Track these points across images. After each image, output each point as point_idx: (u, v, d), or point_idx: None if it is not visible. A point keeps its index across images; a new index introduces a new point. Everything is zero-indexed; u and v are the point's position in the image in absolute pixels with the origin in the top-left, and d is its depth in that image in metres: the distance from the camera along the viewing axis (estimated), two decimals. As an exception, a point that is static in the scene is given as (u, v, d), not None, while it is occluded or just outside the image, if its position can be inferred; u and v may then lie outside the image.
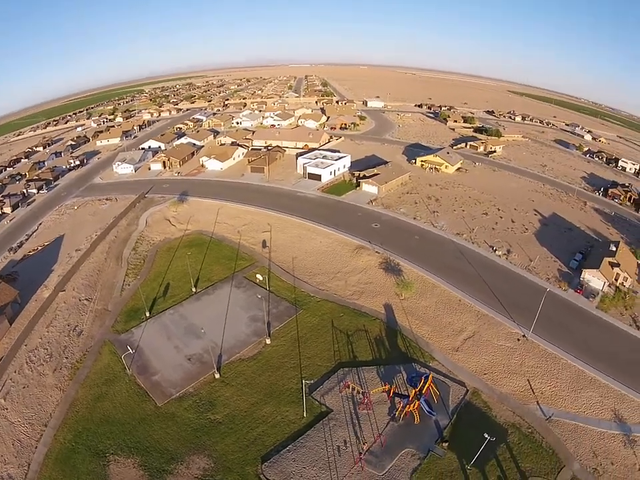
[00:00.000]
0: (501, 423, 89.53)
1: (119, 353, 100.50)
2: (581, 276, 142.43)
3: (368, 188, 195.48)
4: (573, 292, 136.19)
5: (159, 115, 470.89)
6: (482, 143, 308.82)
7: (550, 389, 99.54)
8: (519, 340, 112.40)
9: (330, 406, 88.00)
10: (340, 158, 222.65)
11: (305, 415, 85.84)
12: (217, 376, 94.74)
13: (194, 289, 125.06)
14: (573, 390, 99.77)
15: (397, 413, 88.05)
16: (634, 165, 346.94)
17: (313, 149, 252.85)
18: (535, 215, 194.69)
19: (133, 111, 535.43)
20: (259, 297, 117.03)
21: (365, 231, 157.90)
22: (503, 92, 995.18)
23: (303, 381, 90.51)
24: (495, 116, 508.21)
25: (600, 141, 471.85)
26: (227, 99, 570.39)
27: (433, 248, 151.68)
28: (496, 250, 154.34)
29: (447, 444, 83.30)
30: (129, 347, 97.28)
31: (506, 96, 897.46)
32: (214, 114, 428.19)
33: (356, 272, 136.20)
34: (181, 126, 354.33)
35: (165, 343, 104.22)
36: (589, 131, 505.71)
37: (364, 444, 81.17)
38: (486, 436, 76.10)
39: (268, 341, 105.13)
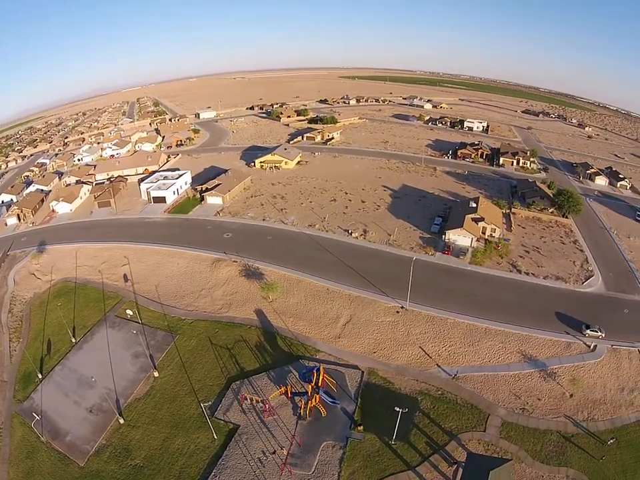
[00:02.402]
0: (408, 393, 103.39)
1: (28, 422, 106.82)
2: (445, 237, 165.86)
3: (212, 200, 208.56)
4: (441, 254, 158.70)
5: (7, 165, 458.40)
6: (318, 132, 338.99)
7: (446, 350, 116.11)
8: (398, 312, 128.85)
9: (235, 422, 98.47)
10: (180, 176, 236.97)
11: (215, 437, 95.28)
12: (122, 421, 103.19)
13: (74, 340, 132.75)
14: (470, 344, 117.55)
15: (301, 411, 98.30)
16: (481, 122, 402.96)
17: (154, 172, 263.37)
18: (385, 190, 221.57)
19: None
20: (134, 332, 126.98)
21: (218, 243, 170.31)
22: (334, 79, 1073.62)
23: (202, 405, 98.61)
24: (328, 104, 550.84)
25: (441, 107, 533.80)
26: (67, 137, 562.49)
27: (288, 245, 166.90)
28: (352, 233, 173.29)
29: (361, 427, 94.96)
30: (34, 414, 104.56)
31: (338, 82, 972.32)
32: (56, 155, 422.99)
33: (219, 285, 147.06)
34: (27, 173, 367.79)
35: (64, 401, 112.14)
36: (428, 100, 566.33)
37: (282, 449, 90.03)
38: (397, 409, 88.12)
39: (156, 374, 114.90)
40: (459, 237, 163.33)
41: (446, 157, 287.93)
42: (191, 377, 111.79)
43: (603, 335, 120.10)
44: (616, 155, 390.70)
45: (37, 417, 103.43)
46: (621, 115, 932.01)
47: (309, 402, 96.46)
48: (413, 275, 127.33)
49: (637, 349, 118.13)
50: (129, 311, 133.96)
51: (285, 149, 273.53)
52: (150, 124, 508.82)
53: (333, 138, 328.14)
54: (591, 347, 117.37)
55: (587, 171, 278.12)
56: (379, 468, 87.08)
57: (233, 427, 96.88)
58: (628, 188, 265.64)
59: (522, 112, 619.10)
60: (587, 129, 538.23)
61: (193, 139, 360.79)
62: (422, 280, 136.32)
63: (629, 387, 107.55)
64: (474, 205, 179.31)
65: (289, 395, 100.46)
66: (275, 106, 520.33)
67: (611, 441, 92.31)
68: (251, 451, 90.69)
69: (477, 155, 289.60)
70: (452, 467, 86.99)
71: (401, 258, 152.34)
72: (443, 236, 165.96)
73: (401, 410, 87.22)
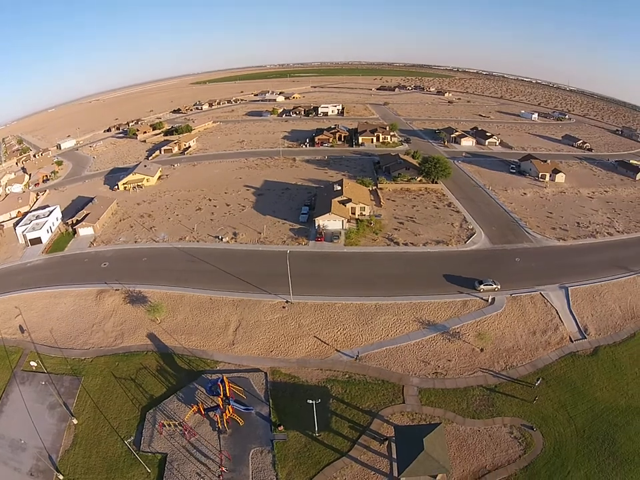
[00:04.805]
0: (316, 384, 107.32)
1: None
2: (316, 225, 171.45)
3: (84, 231, 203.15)
4: (315, 242, 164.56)
5: None
6: (175, 143, 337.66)
7: (341, 334, 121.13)
8: (284, 307, 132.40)
9: (162, 451, 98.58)
10: (51, 212, 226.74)
11: (149, 471, 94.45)
12: (61, 477, 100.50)
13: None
14: (363, 323, 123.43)
15: (219, 425, 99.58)
16: (335, 106, 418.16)
17: (26, 213, 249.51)
18: (248, 189, 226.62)
19: None
20: (43, 383, 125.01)
21: (97, 274, 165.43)
22: (185, 86, 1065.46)
23: (126, 442, 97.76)
24: (182, 112, 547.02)
25: (294, 97, 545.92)
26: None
27: (163, 262, 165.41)
28: (222, 238, 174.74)
29: (282, 427, 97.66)
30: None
31: (189, 89, 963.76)
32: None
33: (107, 317, 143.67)
34: None
35: (6, 470, 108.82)
36: (280, 93, 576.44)
37: (220, 467, 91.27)
38: (310, 401, 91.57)
39: (75, 421, 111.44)
40: (329, 222, 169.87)
41: (303, 146, 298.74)
42: (107, 415, 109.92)
43: (499, 287, 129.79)
44: (481, 115, 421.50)
45: None
46: (482, 77, 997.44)
47: (224, 414, 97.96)
48: (291, 267, 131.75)
49: (539, 292, 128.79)
50: (32, 363, 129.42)
51: (145, 166, 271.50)
52: (16, 163, 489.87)
53: (189, 147, 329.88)
54: (489, 300, 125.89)
55: (452, 135, 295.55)
56: (313, 462, 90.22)
57: (162, 456, 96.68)
58: (497, 144, 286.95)
59: (377, 89, 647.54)
60: (446, 94, 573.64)
61: (57, 172, 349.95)
62: (301, 271, 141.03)
63: (540, 328, 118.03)
64: (339, 188, 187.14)
65: (202, 412, 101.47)
66: (130, 124, 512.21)
67: (538, 382, 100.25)
68: (186, 476, 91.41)
69: (335, 138, 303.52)
70: (383, 444, 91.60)
71: (275, 253, 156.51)
72: (314, 224, 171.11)
73: (314, 401, 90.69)
